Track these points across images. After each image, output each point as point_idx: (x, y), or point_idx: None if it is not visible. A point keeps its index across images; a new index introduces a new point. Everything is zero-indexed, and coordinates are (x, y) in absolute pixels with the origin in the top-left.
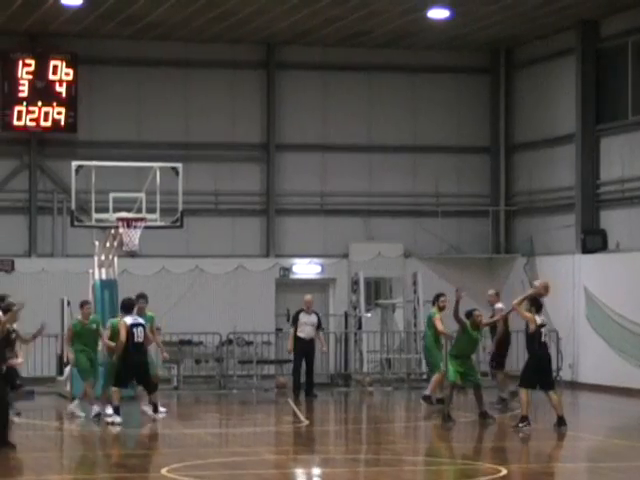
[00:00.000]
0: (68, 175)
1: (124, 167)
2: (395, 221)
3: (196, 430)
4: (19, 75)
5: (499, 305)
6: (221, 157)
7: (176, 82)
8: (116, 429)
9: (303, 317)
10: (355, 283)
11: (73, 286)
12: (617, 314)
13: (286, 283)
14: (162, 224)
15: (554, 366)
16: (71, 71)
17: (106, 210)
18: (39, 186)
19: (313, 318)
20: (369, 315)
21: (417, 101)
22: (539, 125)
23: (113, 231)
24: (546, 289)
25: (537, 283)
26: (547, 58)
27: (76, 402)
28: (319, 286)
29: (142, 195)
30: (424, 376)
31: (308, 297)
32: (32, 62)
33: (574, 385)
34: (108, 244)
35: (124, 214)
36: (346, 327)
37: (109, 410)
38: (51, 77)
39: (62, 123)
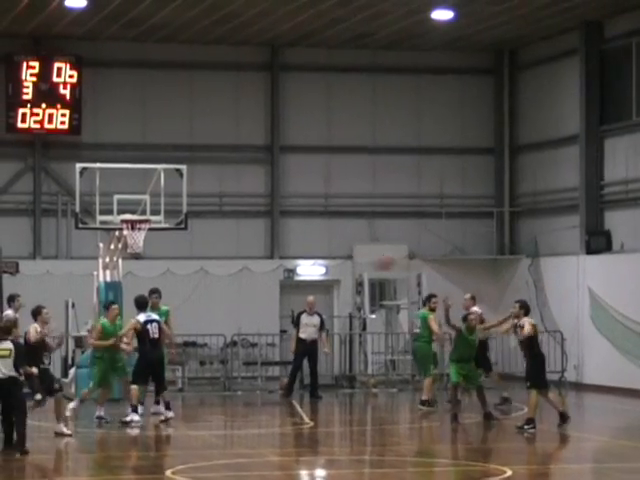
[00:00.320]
0: (72, 177)
1: (128, 169)
2: (399, 222)
3: (201, 432)
4: (23, 77)
5: (474, 308)
6: (225, 159)
7: (180, 84)
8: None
9: (305, 318)
10: (359, 284)
11: (77, 288)
12: (621, 315)
13: (290, 285)
14: (166, 226)
15: (559, 367)
16: (75, 73)
17: (110, 212)
18: (43, 188)
19: (315, 319)
20: (373, 316)
21: (421, 102)
22: (543, 126)
23: (117, 233)
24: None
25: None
26: (551, 59)
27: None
28: (323, 287)
29: (146, 197)
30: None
31: (310, 298)
32: (36, 64)
33: (579, 386)
34: (112, 246)
35: (128, 216)
36: (350, 328)
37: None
38: (55, 79)
39: (66, 125)
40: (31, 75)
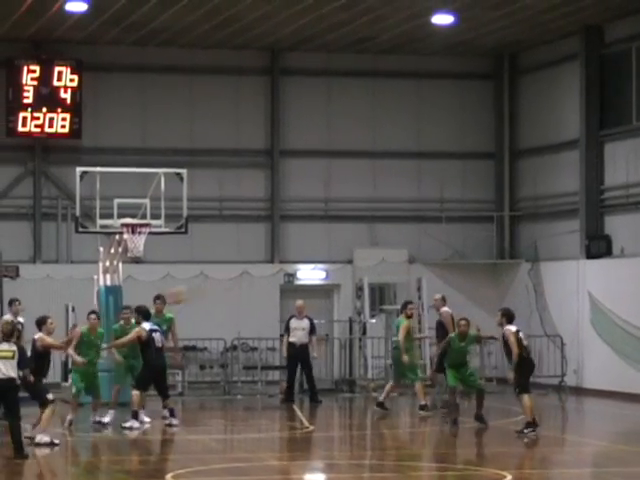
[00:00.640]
0: (73, 181)
1: (129, 173)
2: (399, 227)
3: (200, 436)
4: (24, 81)
5: (445, 309)
6: (226, 163)
7: (181, 88)
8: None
9: (294, 322)
10: (359, 289)
11: (78, 292)
12: (622, 319)
13: (290, 289)
14: (167, 230)
15: (559, 372)
16: (76, 77)
17: (111, 216)
18: (44, 192)
19: (304, 323)
20: (373, 321)
21: (421, 107)
22: (543, 130)
23: (118, 237)
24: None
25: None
26: (551, 63)
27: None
28: (323, 292)
29: (147, 201)
30: (428, 382)
31: (299, 302)
32: (37, 68)
33: (579, 390)
34: (113, 250)
35: (129, 220)
36: (350, 333)
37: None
38: (56, 83)
39: (67, 129)
40: (32, 79)
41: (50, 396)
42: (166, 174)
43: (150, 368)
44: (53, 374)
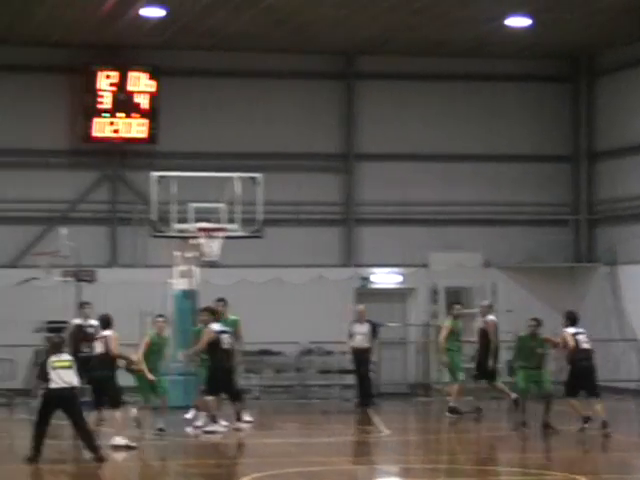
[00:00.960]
0: (149, 186)
1: (204, 177)
2: (474, 230)
3: (276, 440)
4: (100, 87)
5: (490, 317)
6: (300, 167)
7: (256, 93)
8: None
9: (355, 327)
10: (435, 292)
11: (153, 296)
12: None
13: (365, 293)
14: (242, 234)
15: (636, 376)
16: (152, 83)
17: (186, 220)
18: (120, 197)
19: (364, 328)
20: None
21: (496, 110)
22: (621, 132)
23: (193, 241)
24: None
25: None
26: (630, 65)
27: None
28: (398, 295)
29: (222, 205)
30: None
31: (360, 307)
32: (113, 74)
33: None
34: (188, 254)
35: (204, 224)
36: (426, 337)
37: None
38: (132, 89)
39: (143, 134)
40: (108, 85)
41: (125, 399)
42: (241, 178)
43: (218, 370)
44: (124, 379)
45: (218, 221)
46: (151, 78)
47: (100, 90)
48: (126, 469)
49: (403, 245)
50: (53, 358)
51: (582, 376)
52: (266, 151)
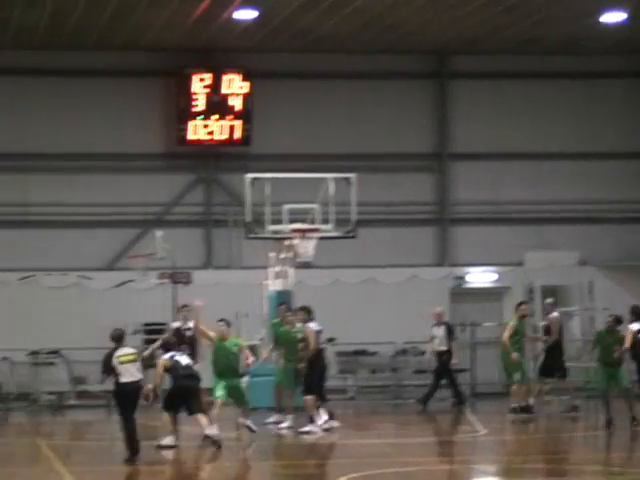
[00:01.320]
0: (243, 188)
1: (298, 179)
2: (570, 228)
3: (372, 440)
4: (194, 90)
5: (554, 314)
6: (394, 167)
7: (347, 94)
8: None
9: (433, 330)
10: (531, 291)
11: (248, 298)
12: None
13: (460, 292)
14: (336, 235)
15: None
16: (245, 85)
17: (280, 222)
18: (215, 199)
19: (440, 330)
20: (544, 323)
21: (592, 107)
22: None
23: (288, 242)
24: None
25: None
26: None
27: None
28: (493, 295)
29: (316, 206)
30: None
31: (437, 310)
32: (207, 77)
33: None
34: (283, 255)
35: (298, 225)
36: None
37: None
38: (225, 91)
39: (237, 136)
40: (202, 87)
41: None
42: (335, 179)
43: (315, 371)
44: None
45: (312, 222)
46: (244, 80)
47: (194, 93)
48: (222, 469)
49: (498, 244)
50: (118, 352)
51: None
52: (359, 152)
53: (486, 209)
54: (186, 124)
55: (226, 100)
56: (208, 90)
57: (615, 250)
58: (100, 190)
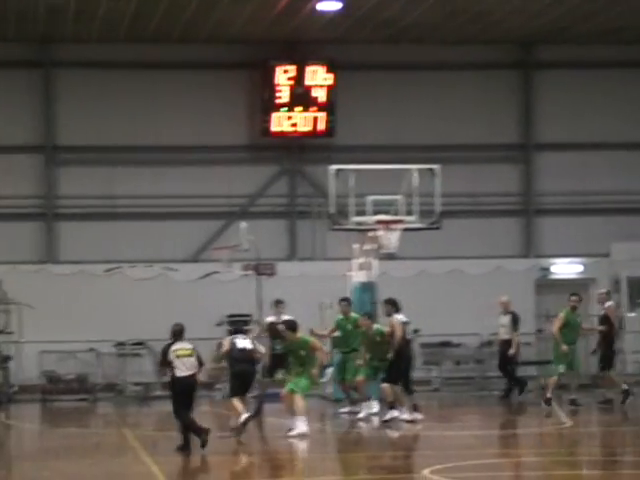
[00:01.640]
0: (327, 179)
1: (382, 170)
2: None
3: (457, 432)
4: (278, 82)
5: (610, 303)
6: (478, 158)
7: (432, 84)
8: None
9: (500, 319)
10: (617, 283)
11: (333, 289)
12: None
13: (546, 283)
14: (420, 226)
15: None
16: (329, 76)
17: (364, 213)
18: (299, 191)
19: (505, 319)
20: (633, 315)
21: None
22: None
23: (372, 234)
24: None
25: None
26: None
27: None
28: (579, 286)
29: (400, 197)
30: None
31: (502, 299)
32: (291, 69)
33: None
34: (367, 247)
35: (383, 217)
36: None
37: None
38: (309, 83)
39: (321, 128)
40: (286, 79)
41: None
42: (419, 170)
43: (402, 361)
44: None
45: (396, 213)
46: (328, 71)
47: (278, 85)
48: (306, 461)
49: (584, 235)
50: (176, 346)
51: None
52: (444, 143)
53: (571, 200)
54: (270, 116)
55: (310, 92)
56: (292, 82)
57: None
58: (185, 182)
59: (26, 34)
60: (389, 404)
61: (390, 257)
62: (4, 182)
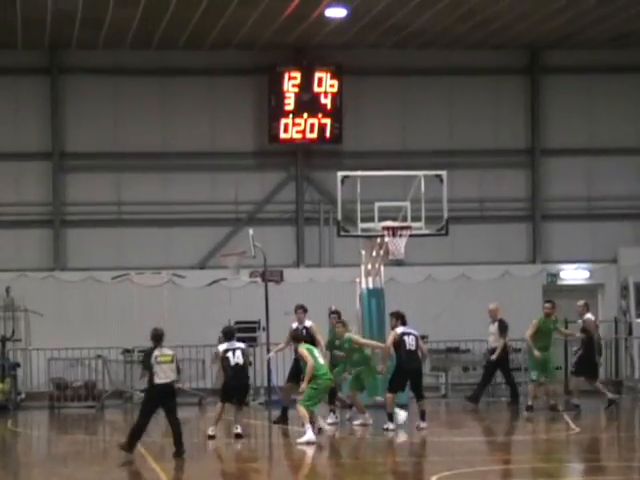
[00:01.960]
0: (334, 185)
1: (389, 176)
2: None
3: (465, 438)
4: (285, 88)
5: (588, 315)
6: (485, 163)
7: (439, 90)
8: (390, 435)
9: (489, 327)
10: (625, 288)
11: (340, 295)
12: None
13: (554, 289)
14: (427, 232)
15: None
16: (336, 82)
17: (372, 219)
18: (306, 197)
19: (493, 328)
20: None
21: None
22: None
23: (379, 240)
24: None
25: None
26: None
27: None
28: (587, 292)
29: (407, 204)
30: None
31: (491, 306)
32: (298, 75)
33: None
34: (374, 253)
35: (390, 223)
36: (616, 333)
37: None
38: (316, 89)
39: (328, 134)
40: (293, 86)
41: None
42: (426, 176)
43: (402, 370)
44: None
45: (403, 219)
46: (334, 77)
47: (286, 91)
48: (315, 467)
49: (591, 240)
50: (156, 352)
51: None
52: (451, 148)
53: (579, 205)
54: (278, 122)
55: (317, 98)
56: (297, 89)
57: None
58: (192, 188)
59: (34, 41)
60: (388, 414)
61: (397, 263)
62: (12, 189)
